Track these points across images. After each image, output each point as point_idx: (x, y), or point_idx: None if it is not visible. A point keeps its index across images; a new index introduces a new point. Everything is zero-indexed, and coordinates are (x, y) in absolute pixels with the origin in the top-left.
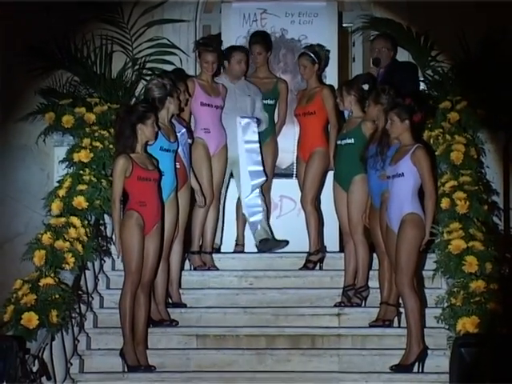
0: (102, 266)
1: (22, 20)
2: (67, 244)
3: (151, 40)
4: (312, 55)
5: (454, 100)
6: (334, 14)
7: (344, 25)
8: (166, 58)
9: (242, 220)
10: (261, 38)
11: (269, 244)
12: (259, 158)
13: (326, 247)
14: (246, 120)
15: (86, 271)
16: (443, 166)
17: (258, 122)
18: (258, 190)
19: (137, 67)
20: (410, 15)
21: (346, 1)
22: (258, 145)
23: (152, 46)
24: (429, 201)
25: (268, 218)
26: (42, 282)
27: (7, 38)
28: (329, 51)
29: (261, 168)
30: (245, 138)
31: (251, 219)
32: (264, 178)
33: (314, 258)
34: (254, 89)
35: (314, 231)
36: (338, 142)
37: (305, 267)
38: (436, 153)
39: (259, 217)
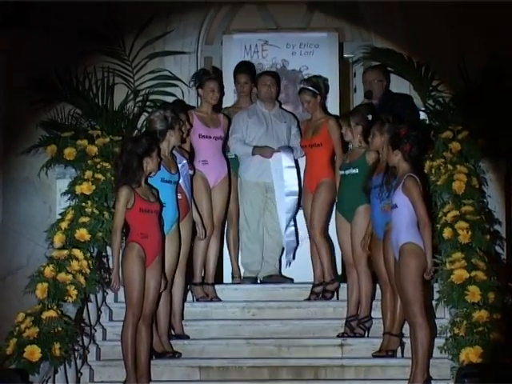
0: (104, 298)
1: (23, 52)
2: (70, 276)
3: (153, 72)
4: (312, 89)
5: (455, 130)
6: (334, 45)
7: (345, 55)
8: (168, 89)
9: (234, 252)
10: (245, 68)
11: (274, 279)
12: (296, 183)
13: (340, 277)
14: (284, 147)
15: (89, 303)
16: (445, 195)
17: (292, 150)
18: (292, 222)
19: (139, 99)
20: (411, 45)
21: (346, 31)
22: (295, 170)
23: (154, 77)
24: (424, 229)
25: (281, 252)
26: (45, 314)
27: (8, 70)
28: (327, 79)
29: (297, 192)
30: (285, 164)
31: (289, 255)
32: (296, 203)
33: (331, 288)
34: (290, 116)
35: (326, 261)
36: (342, 172)
37: (323, 297)
38: (438, 183)
39: (293, 250)
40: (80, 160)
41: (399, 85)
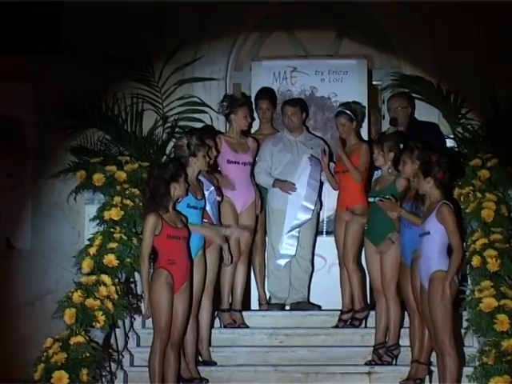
0: (132, 324)
1: (52, 79)
2: (98, 302)
3: (182, 98)
4: (349, 113)
5: (484, 158)
6: (363, 72)
7: (374, 82)
8: (197, 115)
9: (261, 279)
10: (267, 94)
11: (301, 306)
12: (315, 198)
13: (369, 305)
14: (315, 160)
15: (116, 329)
16: (474, 223)
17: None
18: (296, 231)
19: (168, 125)
20: (439, 73)
21: (375, 58)
22: (318, 184)
23: (182, 104)
24: (454, 254)
25: (310, 278)
26: (73, 340)
27: (38, 96)
28: (364, 107)
29: (312, 207)
30: (311, 174)
31: (279, 261)
32: (309, 217)
33: (361, 316)
34: (318, 141)
35: (357, 289)
36: (371, 200)
37: (351, 325)
38: (466, 210)
39: (288, 258)
40: (109, 186)
41: (429, 112)
